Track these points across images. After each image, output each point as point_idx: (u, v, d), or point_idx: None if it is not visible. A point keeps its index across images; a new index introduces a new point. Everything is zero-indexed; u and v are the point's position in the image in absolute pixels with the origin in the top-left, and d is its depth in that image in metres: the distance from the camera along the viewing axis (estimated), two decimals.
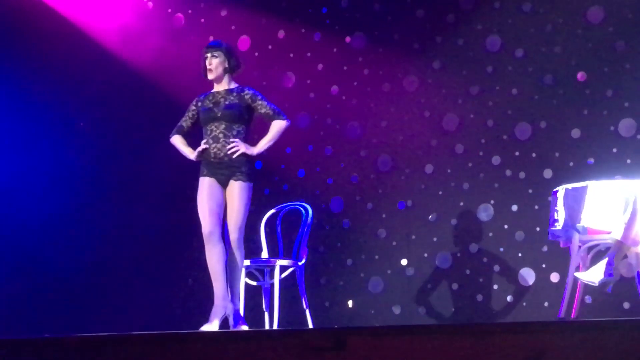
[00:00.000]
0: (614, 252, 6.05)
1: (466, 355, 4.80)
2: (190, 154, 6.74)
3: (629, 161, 7.56)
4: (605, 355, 4.61)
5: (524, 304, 7.89)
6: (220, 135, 6.61)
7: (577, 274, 6.15)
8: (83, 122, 9.48)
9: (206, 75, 6.77)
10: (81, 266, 9.09)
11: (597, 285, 6.03)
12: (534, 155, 8.01)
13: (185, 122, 6.86)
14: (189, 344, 5.50)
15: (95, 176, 9.33)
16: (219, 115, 6.64)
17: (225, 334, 5.86)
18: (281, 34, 9.04)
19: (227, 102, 6.67)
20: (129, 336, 5.80)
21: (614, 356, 4.59)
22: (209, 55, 6.74)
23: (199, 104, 6.77)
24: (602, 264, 6.02)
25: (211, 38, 9.09)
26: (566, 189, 6.40)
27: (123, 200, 9.30)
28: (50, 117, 9.49)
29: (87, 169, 9.35)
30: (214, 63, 6.72)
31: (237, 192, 6.58)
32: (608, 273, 5.98)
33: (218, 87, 6.78)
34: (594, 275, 6.00)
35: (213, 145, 6.62)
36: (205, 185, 6.63)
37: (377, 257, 8.46)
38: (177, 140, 6.86)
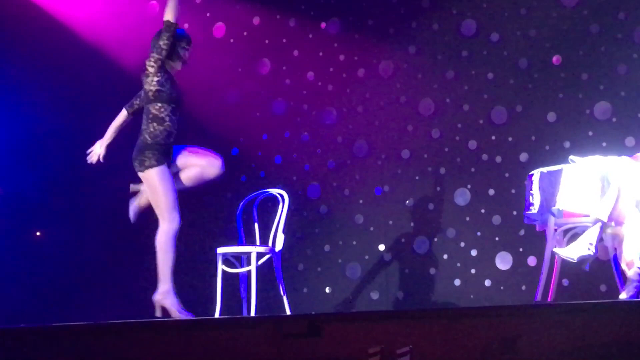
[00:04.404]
0: (595, 231, 6.03)
1: (443, 339, 4.81)
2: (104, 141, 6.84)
3: (604, 144, 7.57)
4: (582, 338, 4.63)
5: (502, 287, 7.90)
6: (176, 123, 6.61)
7: (555, 250, 6.14)
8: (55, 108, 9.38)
9: (179, 65, 6.73)
10: (54, 258, 9.02)
11: (575, 261, 6.02)
12: (510, 139, 8.01)
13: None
14: (164, 332, 5.48)
15: (63, 162, 9.21)
16: (179, 103, 6.65)
17: (201, 322, 5.85)
18: (256, 20, 9.00)
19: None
20: (102, 325, 5.78)
21: (590, 338, 4.61)
22: (189, 48, 6.76)
23: (169, 81, 6.63)
24: (580, 241, 6.02)
25: (186, 26, 9.04)
26: (541, 173, 6.40)
27: (95, 186, 9.20)
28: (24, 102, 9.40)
29: (55, 156, 9.24)
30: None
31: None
32: (587, 249, 5.97)
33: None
34: (573, 251, 5.99)
35: (175, 128, 6.60)
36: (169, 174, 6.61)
37: (354, 242, 8.46)
38: (120, 120, 6.90)
